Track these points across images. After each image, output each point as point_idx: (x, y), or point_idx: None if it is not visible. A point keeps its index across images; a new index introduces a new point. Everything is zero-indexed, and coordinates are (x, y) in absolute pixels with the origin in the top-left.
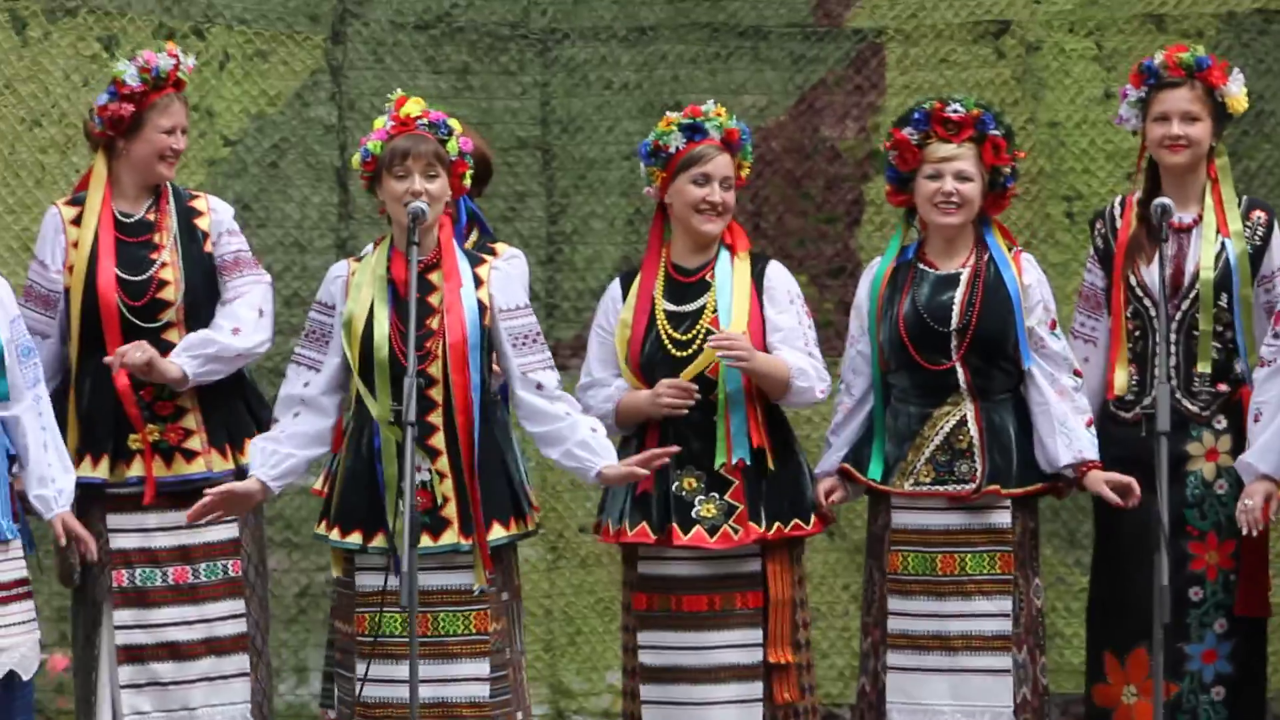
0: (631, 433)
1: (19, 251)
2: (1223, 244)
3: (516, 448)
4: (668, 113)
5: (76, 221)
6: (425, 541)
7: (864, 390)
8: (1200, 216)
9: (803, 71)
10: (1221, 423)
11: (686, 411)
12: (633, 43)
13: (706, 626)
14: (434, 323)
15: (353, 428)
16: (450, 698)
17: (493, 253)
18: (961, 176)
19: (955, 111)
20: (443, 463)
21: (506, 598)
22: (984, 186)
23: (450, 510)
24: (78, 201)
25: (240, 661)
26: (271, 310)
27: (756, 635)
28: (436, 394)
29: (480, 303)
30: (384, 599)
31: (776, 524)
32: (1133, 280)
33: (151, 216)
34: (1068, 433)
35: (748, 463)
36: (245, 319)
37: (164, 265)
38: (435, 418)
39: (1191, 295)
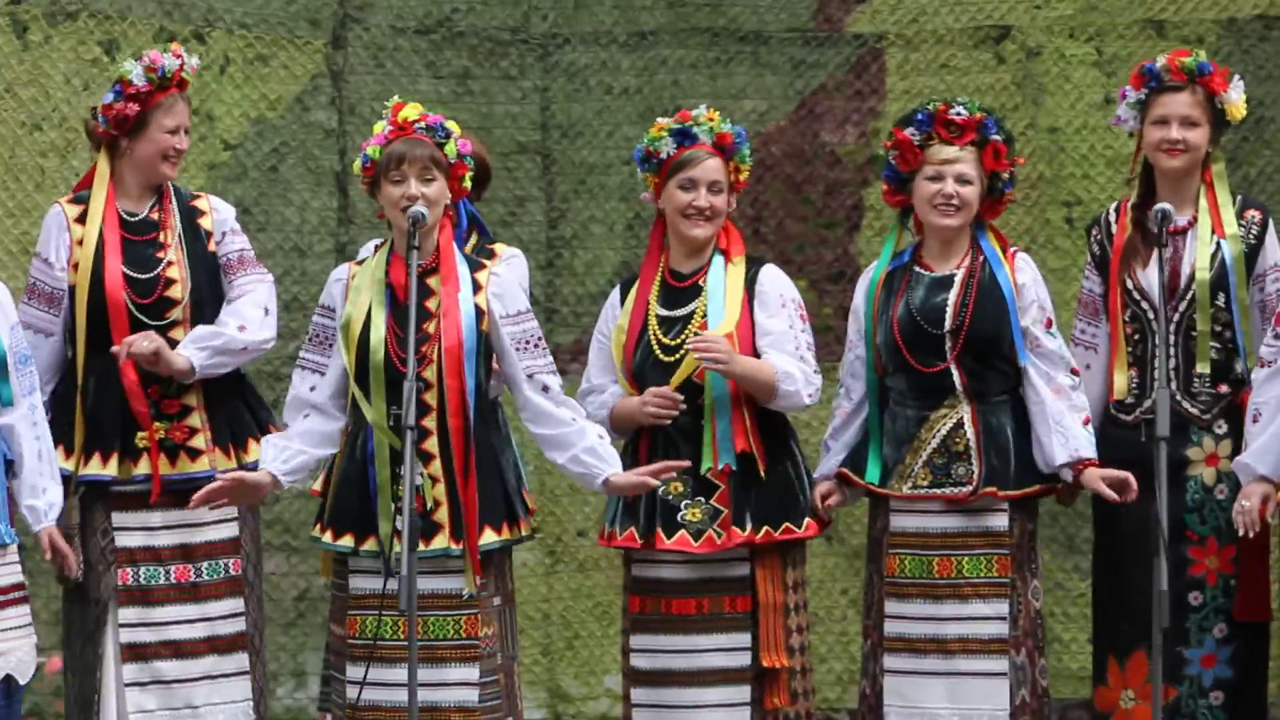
0: (627, 439)
1: (19, 255)
2: (1218, 244)
3: (515, 451)
4: (659, 118)
5: (80, 219)
6: (417, 546)
7: (862, 394)
8: (1195, 219)
9: (803, 77)
10: (1222, 427)
11: (670, 422)
12: (633, 48)
13: (695, 630)
14: (430, 327)
15: (349, 431)
16: (440, 702)
17: (492, 253)
18: (962, 179)
19: (959, 114)
20: (435, 467)
21: (499, 603)
22: (983, 191)
23: (442, 515)
24: (80, 200)
25: (240, 660)
26: (276, 308)
27: (744, 639)
28: (431, 398)
29: (478, 307)
30: (383, 603)
31: (765, 528)
32: (1129, 284)
33: (155, 215)
34: (1064, 431)
35: (733, 468)
36: (251, 316)
37: (170, 264)
38: (429, 422)
39: (1188, 296)
